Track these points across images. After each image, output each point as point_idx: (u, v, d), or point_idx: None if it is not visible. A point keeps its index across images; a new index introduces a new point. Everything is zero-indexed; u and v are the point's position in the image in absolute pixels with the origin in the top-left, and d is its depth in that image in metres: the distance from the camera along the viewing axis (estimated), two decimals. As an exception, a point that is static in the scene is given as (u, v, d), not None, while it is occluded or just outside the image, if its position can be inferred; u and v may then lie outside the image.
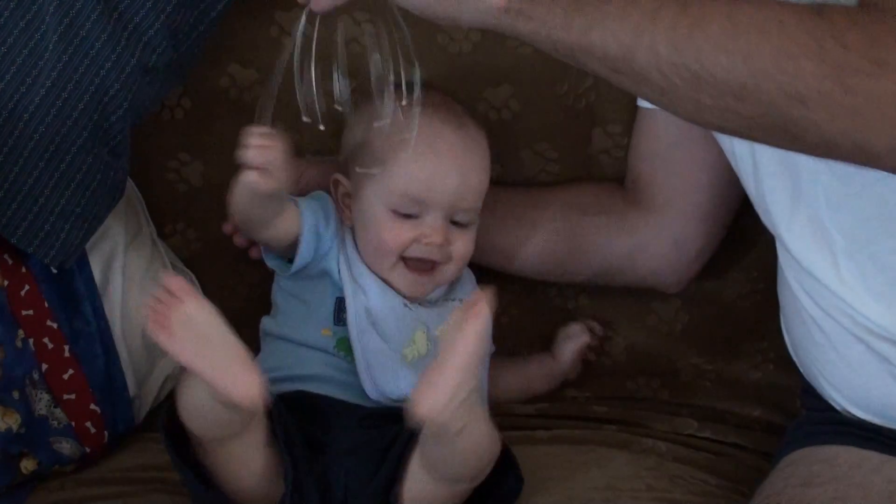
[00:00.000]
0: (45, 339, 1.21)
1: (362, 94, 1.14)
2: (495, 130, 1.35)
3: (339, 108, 1.10)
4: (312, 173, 1.32)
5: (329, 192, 1.24)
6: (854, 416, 1.12)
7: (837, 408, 1.14)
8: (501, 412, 1.34)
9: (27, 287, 1.20)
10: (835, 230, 1.06)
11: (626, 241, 1.32)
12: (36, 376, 1.19)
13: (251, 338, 1.25)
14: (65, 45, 1.17)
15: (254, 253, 1.31)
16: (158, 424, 1.12)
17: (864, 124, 0.81)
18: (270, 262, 1.23)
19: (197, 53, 1.26)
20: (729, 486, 1.24)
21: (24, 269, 1.20)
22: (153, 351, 1.31)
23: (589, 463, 1.25)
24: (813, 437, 1.14)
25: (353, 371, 1.16)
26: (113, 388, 1.25)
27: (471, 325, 1.02)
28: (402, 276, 1.19)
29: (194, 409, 1.04)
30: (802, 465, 1.11)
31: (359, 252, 1.21)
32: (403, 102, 1.09)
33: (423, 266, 1.19)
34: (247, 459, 1.08)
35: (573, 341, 1.38)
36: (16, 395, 1.17)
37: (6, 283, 1.19)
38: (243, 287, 1.39)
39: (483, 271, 1.30)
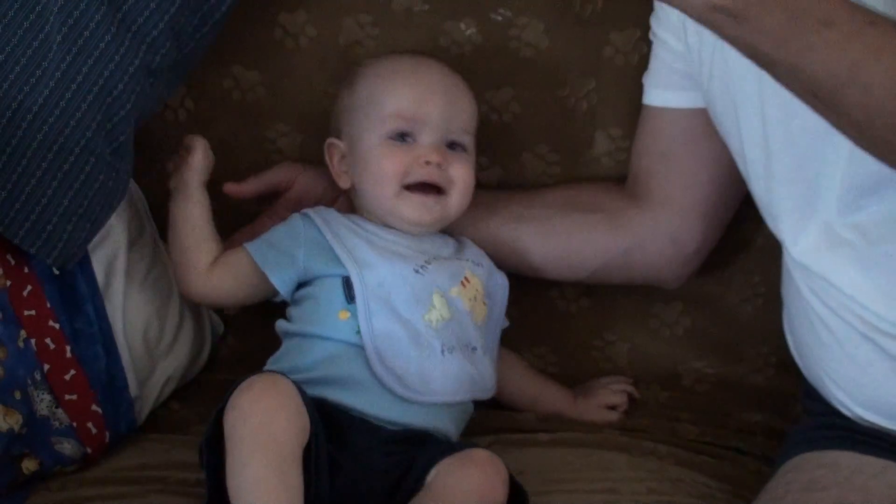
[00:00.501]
0: (47, 340, 1.20)
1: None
2: (497, 133, 1.35)
3: None
4: (306, 178, 1.34)
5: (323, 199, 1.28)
6: (860, 417, 1.12)
7: (843, 409, 1.13)
8: (502, 416, 1.35)
9: (29, 287, 1.20)
10: (847, 232, 1.06)
11: (624, 239, 1.33)
12: (38, 377, 1.19)
13: (261, 337, 1.25)
14: (69, 46, 1.17)
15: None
16: (201, 444, 1.10)
17: None
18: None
19: (200, 54, 1.26)
20: (730, 489, 1.23)
21: (26, 270, 1.20)
22: (154, 352, 1.31)
23: (590, 466, 1.24)
24: (814, 442, 1.14)
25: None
26: (114, 388, 1.25)
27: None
28: (407, 202, 1.20)
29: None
30: (804, 470, 1.11)
31: (358, 235, 1.21)
32: None
33: (426, 189, 1.20)
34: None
35: (605, 399, 1.37)
36: (17, 395, 1.17)
37: (8, 283, 1.19)
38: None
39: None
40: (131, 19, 1.19)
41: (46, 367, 1.20)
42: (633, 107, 1.34)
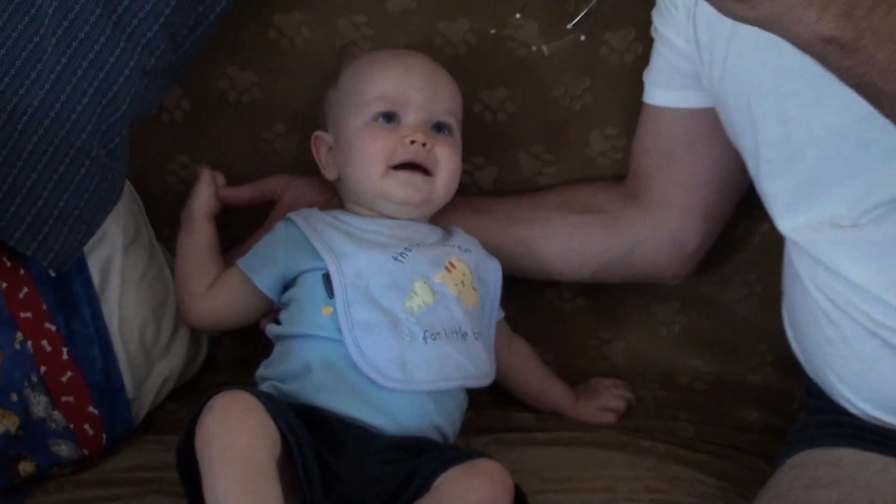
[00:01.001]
0: (44, 342, 1.20)
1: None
2: (491, 132, 1.35)
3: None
4: (297, 187, 1.35)
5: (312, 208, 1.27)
6: (864, 413, 1.12)
7: (846, 405, 1.13)
8: (499, 415, 1.35)
9: (25, 289, 1.20)
10: (854, 225, 1.06)
11: (624, 238, 1.33)
12: (34, 378, 1.19)
13: (258, 338, 1.25)
14: (64, 48, 1.17)
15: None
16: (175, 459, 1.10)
17: None
18: None
19: (195, 55, 1.26)
20: (728, 487, 1.23)
21: (22, 272, 1.20)
22: (151, 353, 1.31)
23: (587, 465, 1.24)
24: (817, 439, 1.14)
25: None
26: (111, 390, 1.25)
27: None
28: (394, 181, 1.21)
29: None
30: (807, 467, 1.11)
31: (336, 228, 1.21)
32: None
33: (413, 169, 1.21)
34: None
35: (606, 402, 1.37)
36: (14, 397, 1.17)
37: (4, 285, 1.19)
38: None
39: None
40: (126, 21, 1.19)
41: (43, 368, 1.20)
42: (628, 106, 1.34)
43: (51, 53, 1.16)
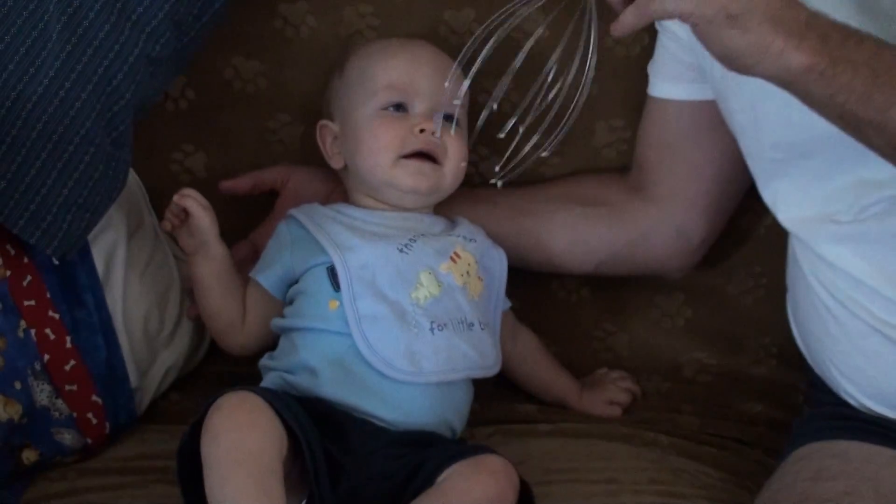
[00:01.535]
0: (47, 330, 1.20)
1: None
2: (498, 123, 1.35)
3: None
4: (299, 177, 1.35)
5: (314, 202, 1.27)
6: (867, 408, 1.12)
7: (850, 401, 1.13)
8: (503, 407, 1.35)
9: (29, 277, 1.20)
10: (855, 221, 1.06)
11: (629, 231, 1.33)
12: (38, 367, 1.19)
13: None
14: (68, 35, 1.17)
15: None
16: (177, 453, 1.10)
17: None
18: None
19: (200, 44, 1.26)
20: (732, 479, 1.23)
21: (26, 260, 1.20)
22: (155, 342, 1.31)
23: (591, 456, 1.24)
24: (823, 432, 1.14)
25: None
26: (114, 379, 1.25)
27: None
28: (404, 170, 1.21)
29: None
30: (813, 459, 1.11)
31: (339, 221, 1.21)
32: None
33: (422, 157, 1.21)
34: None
35: (611, 395, 1.37)
36: (17, 385, 1.17)
37: (8, 273, 1.18)
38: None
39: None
40: (131, 8, 1.18)
41: (46, 357, 1.20)
42: (634, 97, 1.34)
43: (55, 41, 1.16)
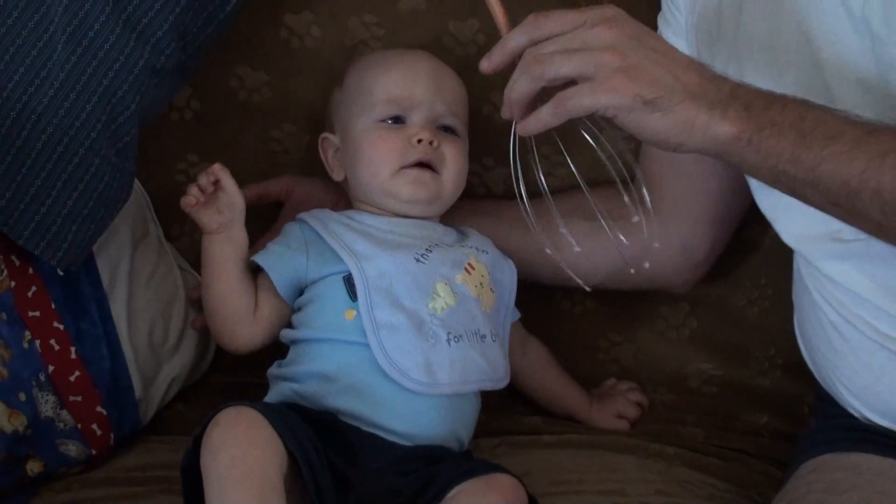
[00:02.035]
0: (52, 341, 1.20)
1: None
2: (502, 133, 1.34)
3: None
4: (304, 187, 1.35)
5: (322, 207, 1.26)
6: (874, 423, 1.11)
7: (856, 415, 1.13)
8: (508, 418, 1.34)
9: (34, 288, 1.20)
10: (861, 241, 1.06)
11: (634, 246, 1.32)
12: (42, 378, 1.19)
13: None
14: (73, 47, 1.17)
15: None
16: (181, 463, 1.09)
17: None
18: None
19: (205, 55, 1.26)
20: (738, 491, 1.23)
21: (31, 271, 1.20)
22: (159, 353, 1.31)
23: (597, 467, 1.24)
24: (833, 444, 1.14)
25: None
26: (119, 389, 1.25)
27: None
28: (404, 179, 1.21)
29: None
30: (825, 471, 1.10)
31: (354, 229, 1.20)
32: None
33: (421, 167, 1.21)
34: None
35: (621, 408, 1.36)
36: (22, 396, 1.17)
37: (13, 284, 1.18)
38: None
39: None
40: (136, 19, 1.18)
41: (51, 368, 1.20)
42: (639, 108, 1.33)
43: (60, 52, 1.16)
